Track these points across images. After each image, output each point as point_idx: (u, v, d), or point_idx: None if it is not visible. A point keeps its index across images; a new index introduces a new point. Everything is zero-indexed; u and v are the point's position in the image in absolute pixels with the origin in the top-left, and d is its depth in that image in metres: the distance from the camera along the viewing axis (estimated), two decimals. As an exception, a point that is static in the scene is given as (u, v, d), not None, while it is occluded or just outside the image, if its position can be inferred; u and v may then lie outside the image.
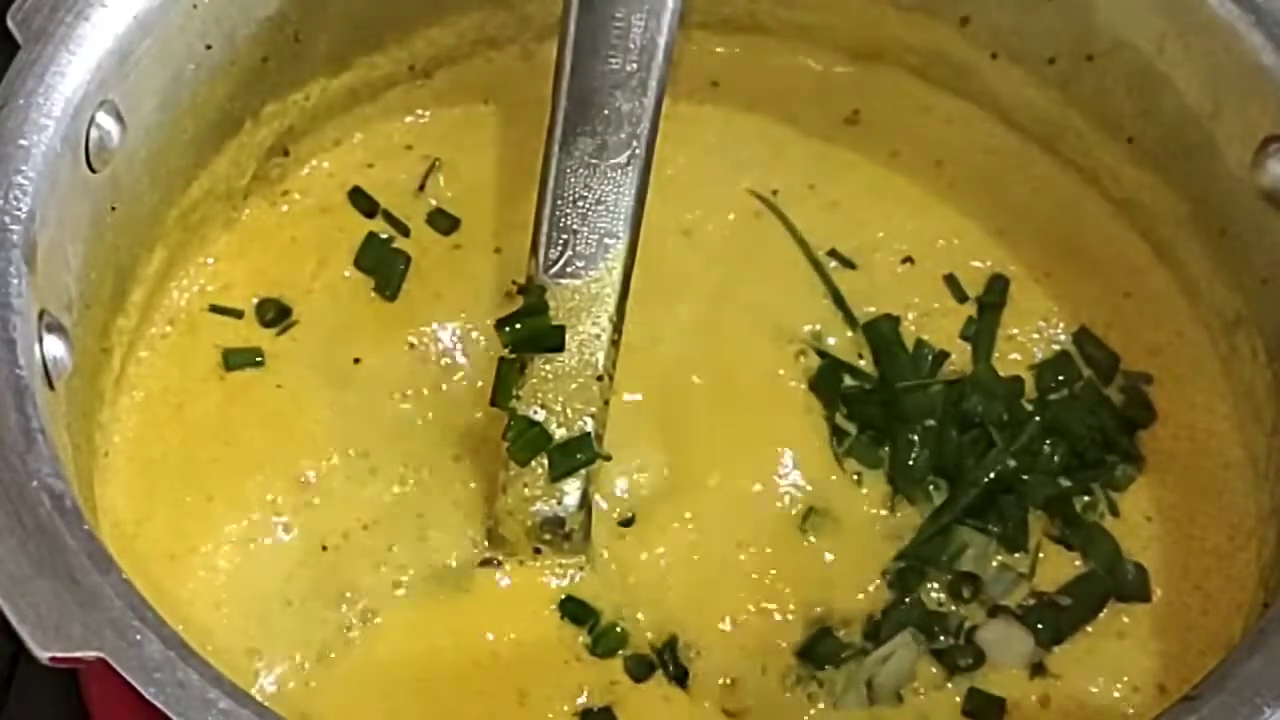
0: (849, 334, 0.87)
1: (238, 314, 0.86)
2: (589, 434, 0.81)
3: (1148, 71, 0.85)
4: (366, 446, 0.83)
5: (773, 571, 0.81)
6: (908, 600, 0.80)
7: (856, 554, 0.82)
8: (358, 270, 0.88)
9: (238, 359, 0.85)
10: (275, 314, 0.87)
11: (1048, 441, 0.84)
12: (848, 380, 0.86)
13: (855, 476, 0.83)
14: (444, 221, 0.90)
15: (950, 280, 0.89)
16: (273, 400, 0.84)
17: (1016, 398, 0.85)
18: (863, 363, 0.87)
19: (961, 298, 0.89)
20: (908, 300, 0.89)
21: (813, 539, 0.82)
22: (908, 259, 0.90)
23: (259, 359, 0.85)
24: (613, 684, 0.78)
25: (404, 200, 0.91)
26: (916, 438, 0.83)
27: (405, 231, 0.90)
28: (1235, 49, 0.80)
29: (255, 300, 0.87)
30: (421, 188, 0.91)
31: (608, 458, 0.82)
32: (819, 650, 0.79)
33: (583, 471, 0.81)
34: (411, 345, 0.86)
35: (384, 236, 0.89)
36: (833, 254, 0.90)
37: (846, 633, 0.80)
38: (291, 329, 0.86)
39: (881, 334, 0.87)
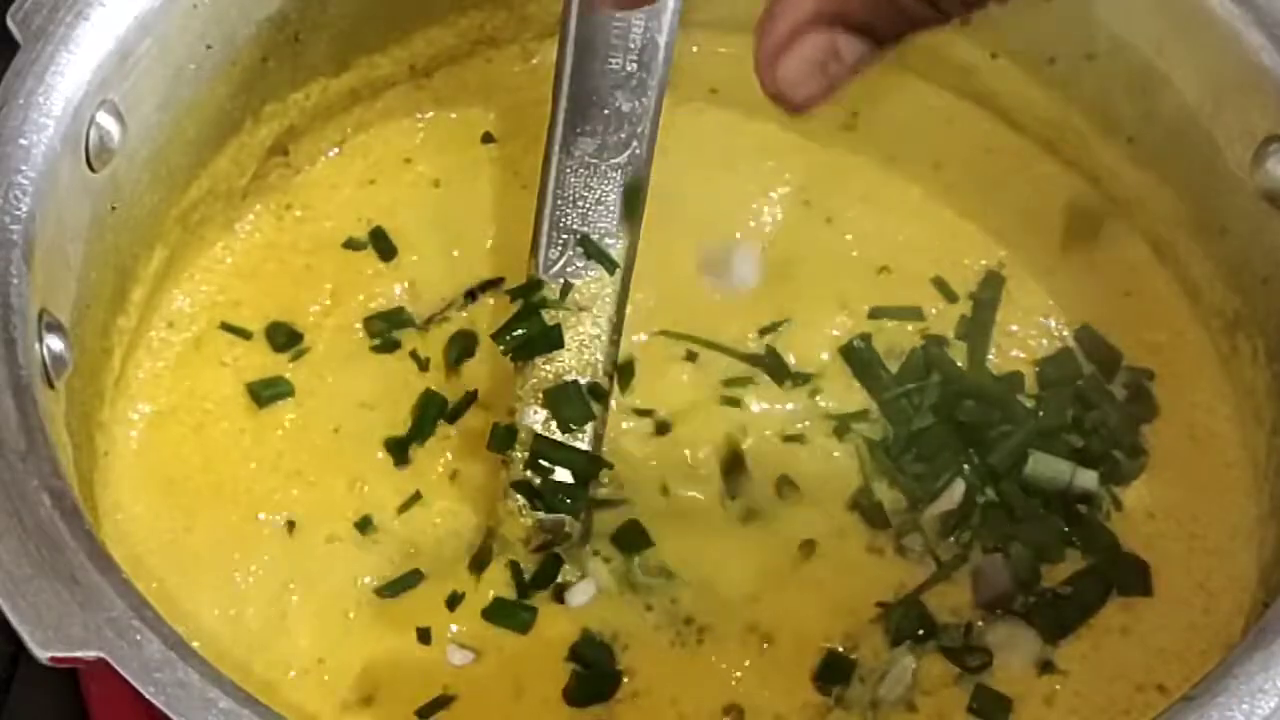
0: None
1: (246, 335, 0.85)
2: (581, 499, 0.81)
3: (1148, 71, 0.85)
4: (368, 447, 0.83)
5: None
6: (906, 610, 0.79)
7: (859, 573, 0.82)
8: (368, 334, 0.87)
9: (266, 391, 0.83)
10: (286, 339, 0.85)
11: (1050, 437, 0.83)
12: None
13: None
14: (456, 347, 0.86)
15: (944, 280, 0.89)
16: (277, 404, 0.84)
17: (1012, 394, 0.85)
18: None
19: (952, 298, 0.89)
20: (906, 302, 0.89)
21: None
22: (902, 264, 0.90)
23: (285, 391, 0.84)
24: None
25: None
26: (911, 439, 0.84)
27: (425, 366, 0.86)
28: (1235, 49, 0.80)
29: (265, 324, 0.86)
30: (473, 296, 0.88)
31: (610, 465, 0.82)
32: (832, 674, 0.78)
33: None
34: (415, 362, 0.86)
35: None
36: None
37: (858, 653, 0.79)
38: (304, 355, 0.85)
39: (858, 358, 0.86)
